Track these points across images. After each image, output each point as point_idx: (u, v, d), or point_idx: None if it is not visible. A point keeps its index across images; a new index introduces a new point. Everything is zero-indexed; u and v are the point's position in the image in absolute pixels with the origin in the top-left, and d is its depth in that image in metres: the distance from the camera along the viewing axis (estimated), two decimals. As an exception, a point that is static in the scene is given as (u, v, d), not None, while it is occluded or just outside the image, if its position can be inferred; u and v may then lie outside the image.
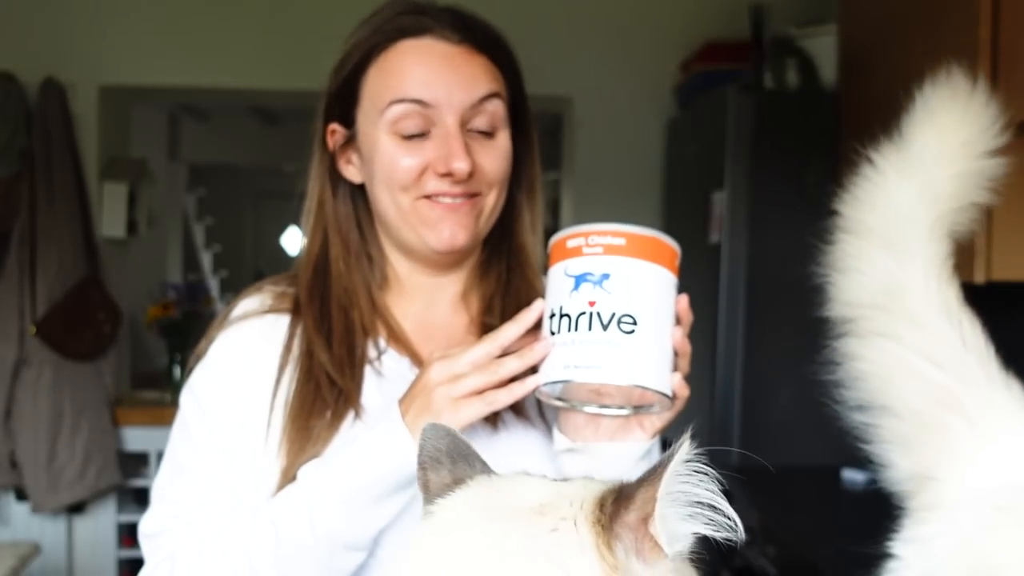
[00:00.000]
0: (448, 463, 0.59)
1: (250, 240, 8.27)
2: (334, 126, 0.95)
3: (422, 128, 0.88)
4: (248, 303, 0.98)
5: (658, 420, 0.82)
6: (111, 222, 3.08)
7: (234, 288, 4.64)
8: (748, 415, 2.33)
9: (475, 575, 0.49)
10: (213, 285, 5.75)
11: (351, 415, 0.89)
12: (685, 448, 0.48)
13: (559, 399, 0.81)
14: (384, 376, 0.92)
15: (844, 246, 0.77)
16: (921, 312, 0.72)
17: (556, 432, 0.86)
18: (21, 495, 2.85)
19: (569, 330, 0.74)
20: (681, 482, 0.48)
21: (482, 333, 0.88)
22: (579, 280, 0.75)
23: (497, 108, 0.91)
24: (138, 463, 3.04)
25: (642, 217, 3.02)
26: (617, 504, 0.50)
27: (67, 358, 2.80)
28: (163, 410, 2.97)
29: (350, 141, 0.94)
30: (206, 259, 5.87)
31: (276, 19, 3.02)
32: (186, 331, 3.26)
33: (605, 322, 0.73)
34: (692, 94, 2.81)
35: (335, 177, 0.97)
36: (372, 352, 0.93)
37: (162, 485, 0.93)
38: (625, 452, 0.82)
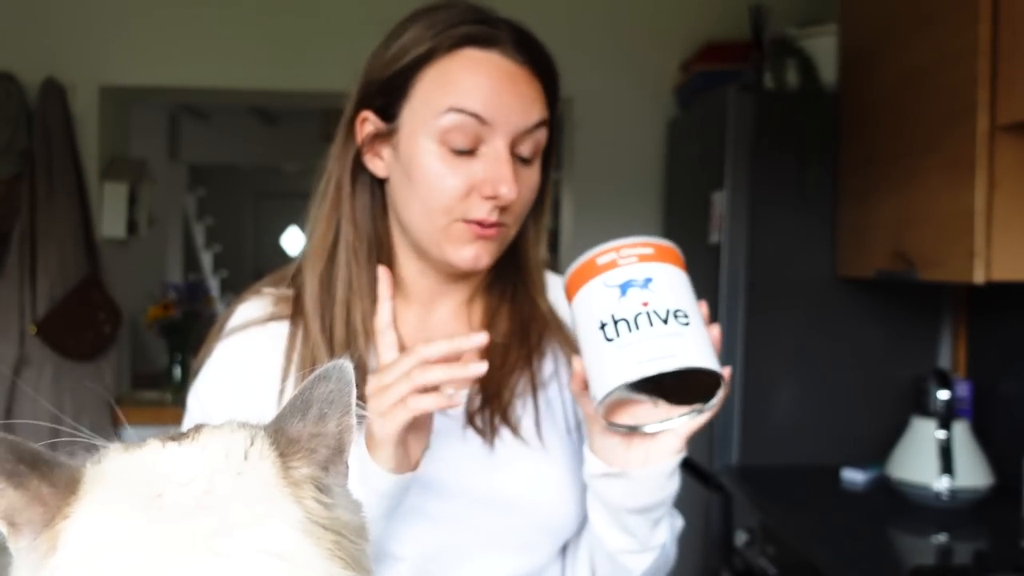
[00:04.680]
0: (32, 472, 0.47)
1: (250, 240, 8.28)
2: (367, 114, 0.89)
3: (471, 144, 0.85)
4: (248, 309, 0.95)
5: (696, 423, 0.81)
6: (111, 222, 3.08)
7: (234, 288, 4.64)
8: (748, 415, 2.33)
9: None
10: (213, 285, 5.76)
11: None
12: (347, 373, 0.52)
13: (617, 424, 0.82)
14: None
15: None
16: None
17: (590, 456, 0.85)
18: (21, 495, 2.85)
19: (631, 330, 0.76)
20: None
21: (485, 352, 0.84)
22: (624, 287, 0.77)
23: (543, 137, 0.89)
24: (138, 463, 3.04)
25: (642, 217, 3.04)
26: (305, 448, 0.50)
27: (67, 358, 2.80)
28: (163, 410, 2.97)
29: (385, 135, 0.89)
30: (206, 259, 5.88)
31: (276, 19, 3.02)
32: (186, 331, 3.25)
33: (664, 317, 0.75)
34: (692, 94, 2.81)
35: (358, 166, 0.92)
36: (373, 362, 0.90)
37: None
38: (659, 471, 0.82)
